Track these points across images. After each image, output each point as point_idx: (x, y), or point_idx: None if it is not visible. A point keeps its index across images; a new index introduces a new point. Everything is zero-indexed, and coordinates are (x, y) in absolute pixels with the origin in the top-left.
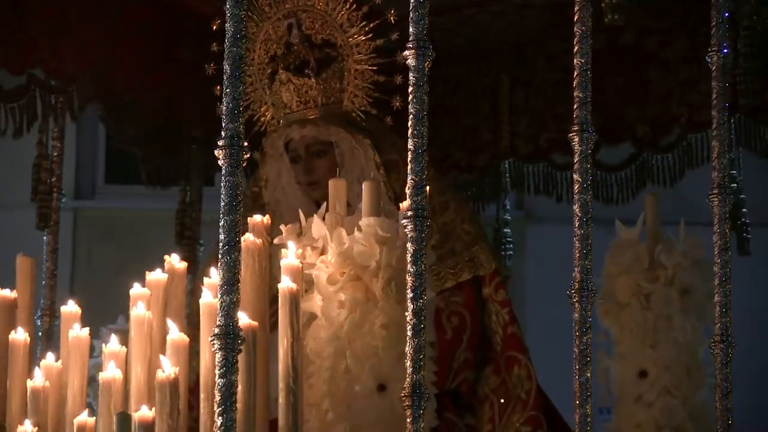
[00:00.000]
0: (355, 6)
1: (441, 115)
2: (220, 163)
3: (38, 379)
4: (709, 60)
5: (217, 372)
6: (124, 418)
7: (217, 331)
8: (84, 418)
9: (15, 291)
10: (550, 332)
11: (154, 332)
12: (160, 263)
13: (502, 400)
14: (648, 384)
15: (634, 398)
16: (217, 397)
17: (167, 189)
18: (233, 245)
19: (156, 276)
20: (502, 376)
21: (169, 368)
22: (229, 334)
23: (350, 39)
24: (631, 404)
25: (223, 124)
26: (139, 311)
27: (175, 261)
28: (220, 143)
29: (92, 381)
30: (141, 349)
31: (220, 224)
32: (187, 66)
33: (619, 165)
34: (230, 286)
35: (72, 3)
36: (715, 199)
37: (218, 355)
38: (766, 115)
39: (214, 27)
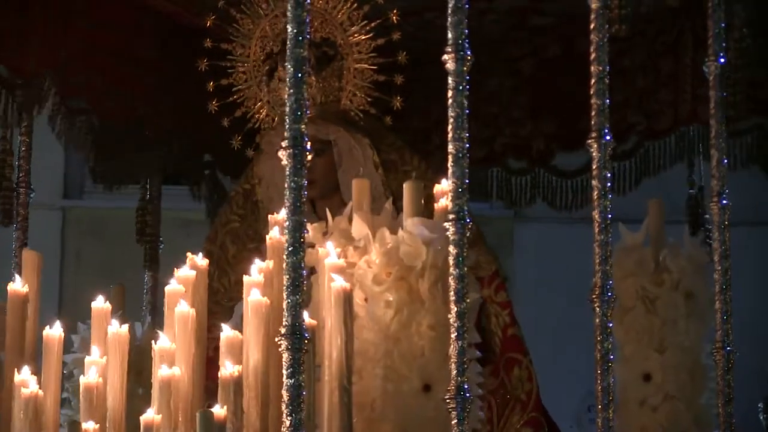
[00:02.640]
0: (355, 5)
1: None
2: (283, 164)
3: (92, 376)
4: (706, 70)
5: (284, 372)
6: (207, 416)
7: (283, 331)
8: (151, 415)
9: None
10: (537, 330)
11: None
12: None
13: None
14: (653, 388)
15: (637, 402)
16: (285, 397)
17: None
18: (298, 246)
19: (185, 273)
20: (501, 378)
21: (231, 367)
22: (296, 334)
23: (350, 38)
24: (635, 408)
25: (287, 125)
26: (182, 308)
27: (198, 258)
28: (283, 144)
29: (70, 377)
30: (185, 347)
31: (285, 225)
32: (148, 65)
33: (575, 171)
34: (295, 286)
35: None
36: (715, 207)
37: (285, 355)
38: (729, 126)
39: (209, 23)
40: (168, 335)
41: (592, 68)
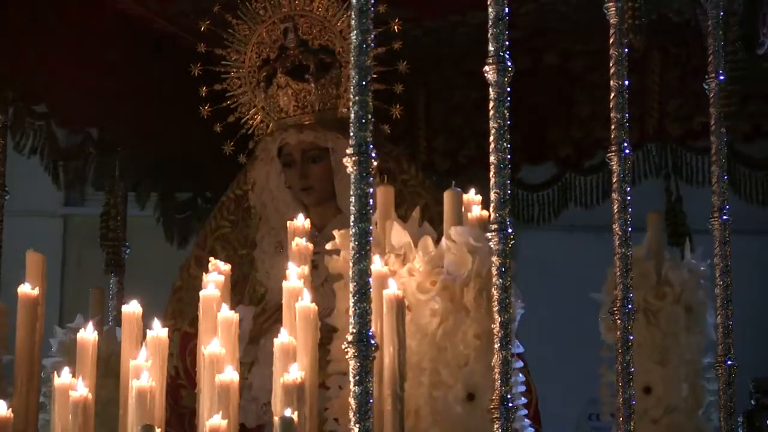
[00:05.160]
0: None
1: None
2: (348, 171)
3: (144, 380)
4: (706, 87)
5: (352, 380)
6: (288, 422)
7: (350, 338)
8: (217, 421)
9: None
10: (541, 336)
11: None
12: (147, 267)
13: None
14: (654, 400)
15: (638, 414)
16: (353, 405)
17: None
18: (364, 253)
19: (215, 278)
20: None
21: (296, 372)
22: (363, 341)
23: (350, 46)
24: (636, 420)
25: (352, 133)
26: (226, 314)
27: (220, 264)
28: (348, 151)
29: (47, 380)
30: (231, 352)
31: (351, 232)
32: (116, 69)
33: (541, 185)
34: (362, 294)
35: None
36: (716, 222)
37: (353, 363)
38: (694, 142)
39: (203, 28)
40: (206, 340)
41: (611, 83)
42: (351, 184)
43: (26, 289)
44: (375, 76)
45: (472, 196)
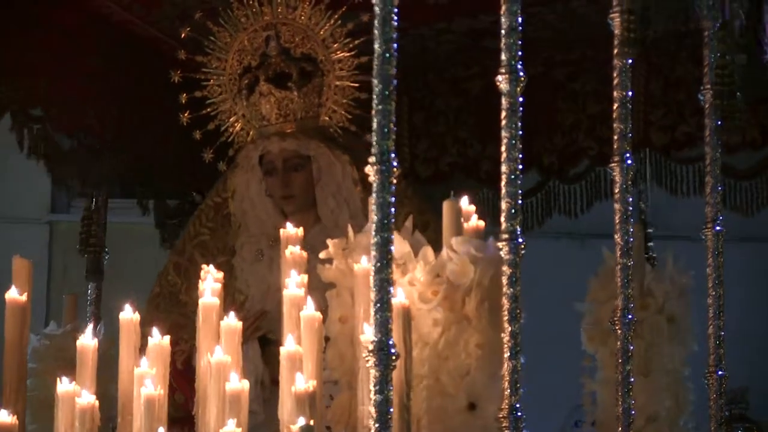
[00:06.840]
0: (339, 22)
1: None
2: (370, 179)
3: (150, 388)
4: (701, 98)
5: (372, 388)
6: (309, 430)
7: (371, 347)
8: (231, 429)
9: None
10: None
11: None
12: (133, 273)
13: None
14: (637, 410)
15: None
16: (373, 413)
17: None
18: (386, 262)
19: (212, 285)
20: None
21: (305, 382)
22: (383, 350)
23: (332, 55)
24: (616, 429)
25: (374, 141)
26: (230, 321)
27: (213, 272)
28: (370, 160)
29: None
30: (235, 360)
31: (373, 241)
32: (96, 73)
33: (524, 193)
34: (383, 303)
35: None
36: (709, 233)
37: (373, 372)
38: (677, 152)
39: (184, 35)
40: (206, 348)
41: (615, 93)
42: (373, 193)
43: (14, 295)
44: (358, 85)
45: (466, 205)
